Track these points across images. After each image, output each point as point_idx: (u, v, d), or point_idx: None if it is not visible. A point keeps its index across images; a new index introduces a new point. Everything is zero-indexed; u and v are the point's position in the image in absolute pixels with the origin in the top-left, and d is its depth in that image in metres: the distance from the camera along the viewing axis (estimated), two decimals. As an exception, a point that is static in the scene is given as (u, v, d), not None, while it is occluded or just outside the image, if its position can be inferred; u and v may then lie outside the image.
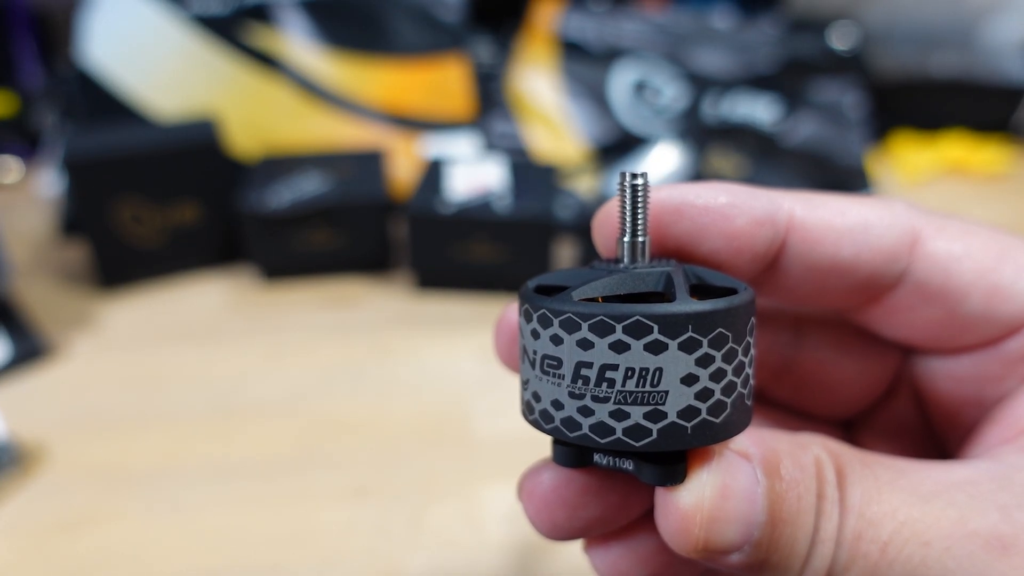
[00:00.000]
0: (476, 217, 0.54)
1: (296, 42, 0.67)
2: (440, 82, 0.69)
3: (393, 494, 0.40)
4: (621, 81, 0.73)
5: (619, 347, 0.16)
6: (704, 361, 0.16)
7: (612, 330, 0.16)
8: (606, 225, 0.20)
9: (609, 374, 0.16)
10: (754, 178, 0.69)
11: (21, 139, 0.76)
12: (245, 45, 0.65)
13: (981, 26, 0.79)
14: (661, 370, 0.16)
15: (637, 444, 0.16)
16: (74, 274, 0.59)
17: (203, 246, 0.59)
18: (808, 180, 0.69)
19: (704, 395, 0.16)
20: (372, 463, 0.42)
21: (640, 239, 0.18)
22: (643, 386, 0.16)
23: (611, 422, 0.16)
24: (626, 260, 0.19)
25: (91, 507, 0.39)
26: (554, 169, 0.60)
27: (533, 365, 0.18)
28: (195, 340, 0.52)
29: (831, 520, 0.17)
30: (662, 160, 0.68)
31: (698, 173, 0.68)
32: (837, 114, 0.73)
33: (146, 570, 0.36)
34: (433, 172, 0.58)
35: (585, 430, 0.17)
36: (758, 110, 0.73)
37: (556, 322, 0.17)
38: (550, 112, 0.72)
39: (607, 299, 0.17)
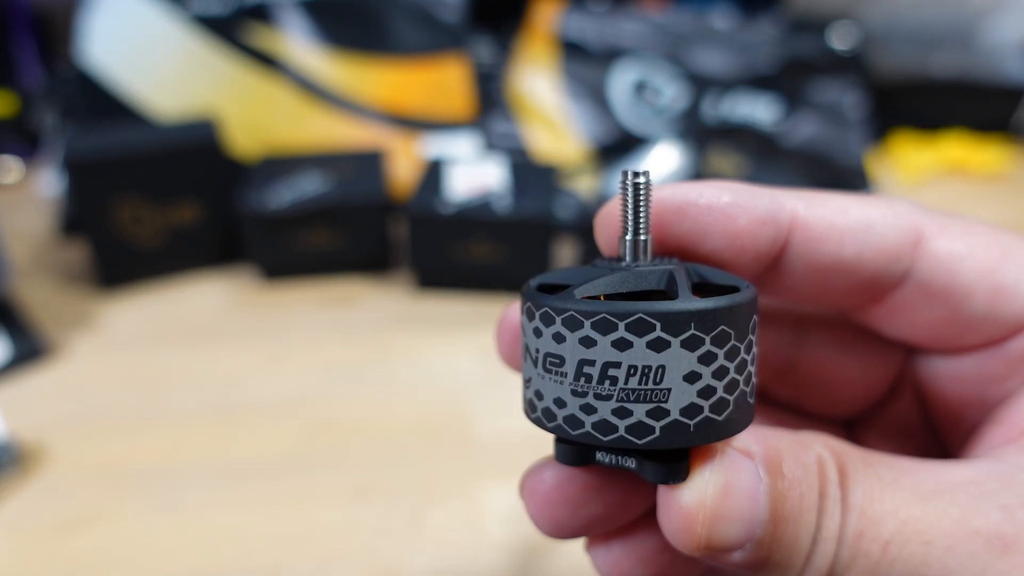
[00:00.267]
0: (476, 217, 0.54)
1: (296, 42, 0.67)
2: (440, 82, 0.69)
3: (393, 494, 0.40)
4: (621, 81, 0.73)
5: (621, 345, 0.16)
6: (707, 359, 0.16)
7: (615, 328, 0.16)
8: (608, 224, 0.20)
9: (611, 372, 0.16)
10: (754, 178, 0.69)
11: (21, 139, 0.76)
12: (245, 45, 0.65)
13: (981, 26, 0.79)
14: (664, 368, 0.16)
15: (640, 442, 0.16)
16: (74, 274, 0.59)
17: (203, 246, 0.59)
18: (808, 180, 0.69)
19: (707, 393, 0.16)
20: (372, 463, 0.42)
21: (642, 237, 0.18)
22: (645, 384, 0.16)
23: (613, 420, 0.16)
24: (628, 258, 0.19)
25: (91, 507, 0.39)
26: (554, 169, 0.60)
27: (535, 363, 0.18)
28: (195, 340, 0.52)
29: (833, 518, 0.17)
30: (662, 160, 0.68)
31: (698, 173, 0.68)
32: (837, 114, 0.73)
33: (146, 570, 0.36)
34: (433, 172, 0.58)
35: (587, 428, 0.17)
36: (758, 110, 0.73)
37: (558, 320, 0.17)
38: (550, 112, 0.72)
39: (609, 297, 0.17)
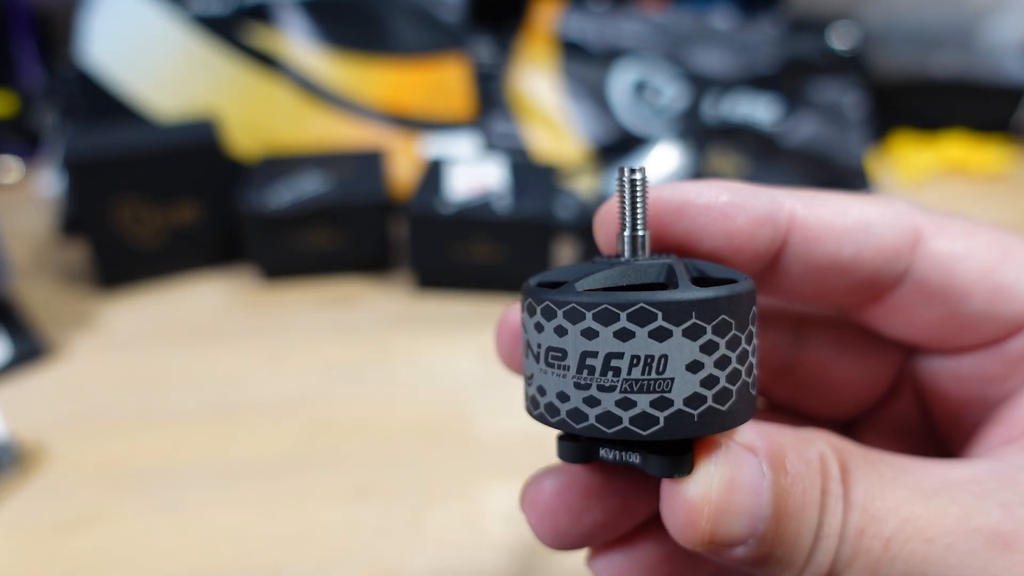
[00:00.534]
0: (476, 217, 0.54)
1: (296, 42, 0.67)
2: (440, 82, 0.69)
3: (393, 494, 0.40)
4: (621, 81, 0.73)
5: (624, 335, 0.16)
6: (708, 348, 0.16)
7: (616, 318, 0.16)
8: (607, 221, 0.20)
9: (615, 363, 0.16)
10: (754, 178, 0.69)
11: (21, 139, 0.76)
12: (245, 45, 0.65)
13: (981, 26, 0.79)
14: (666, 357, 0.16)
15: (644, 433, 0.16)
16: (74, 274, 0.59)
17: (203, 246, 0.59)
18: (808, 180, 0.69)
19: (710, 382, 0.16)
20: (372, 463, 0.42)
21: (640, 233, 0.19)
22: (649, 374, 0.16)
23: (617, 411, 0.16)
24: (627, 254, 0.19)
25: (91, 507, 0.39)
26: (554, 169, 0.60)
27: (537, 359, 0.18)
28: (195, 340, 0.52)
29: (835, 515, 0.17)
30: (662, 160, 0.68)
31: (698, 173, 0.68)
32: (837, 114, 0.73)
33: (146, 570, 0.36)
34: (433, 172, 0.58)
35: (592, 420, 0.17)
36: (758, 110, 0.73)
37: (560, 313, 0.17)
38: (550, 112, 0.72)
39: (609, 290, 0.17)
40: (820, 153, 0.71)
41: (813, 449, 0.17)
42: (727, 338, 0.16)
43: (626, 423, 0.16)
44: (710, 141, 0.71)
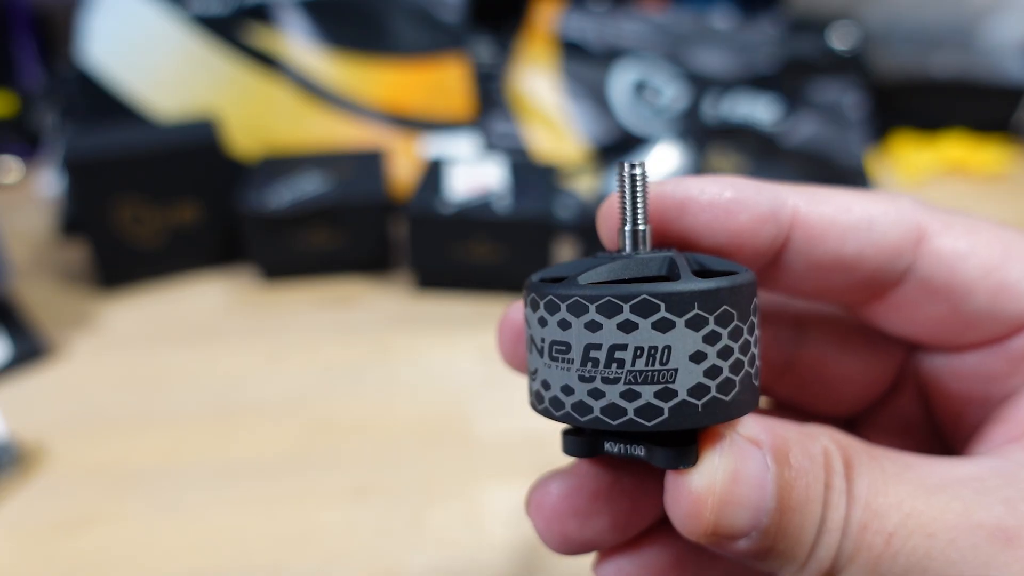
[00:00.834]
0: (476, 217, 0.54)
1: (296, 42, 0.67)
2: (440, 82, 0.69)
3: (393, 494, 0.40)
4: (621, 81, 0.73)
5: (627, 327, 0.16)
6: (711, 338, 0.16)
7: (620, 310, 0.16)
8: (609, 217, 0.20)
9: (618, 354, 0.16)
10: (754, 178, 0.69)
11: (21, 139, 0.76)
12: (245, 45, 0.65)
13: (981, 26, 0.79)
14: (670, 348, 0.16)
15: (649, 424, 0.16)
16: (74, 274, 0.59)
17: (203, 246, 0.59)
18: (808, 180, 0.69)
19: (713, 372, 0.16)
20: (372, 463, 0.42)
21: (640, 227, 0.19)
22: (652, 365, 0.16)
23: (622, 403, 0.16)
24: (628, 248, 0.19)
25: (91, 507, 0.39)
26: (554, 169, 0.60)
27: (541, 353, 0.18)
28: (195, 340, 0.52)
29: (838, 510, 0.17)
30: (662, 160, 0.68)
31: (698, 173, 0.68)
32: (837, 114, 0.73)
33: (146, 570, 0.36)
34: (433, 172, 0.58)
35: (596, 413, 0.17)
36: (758, 110, 0.73)
37: (563, 307, 0.17)
38: (550, 112, 0.72)
39: (612, 283, 0.17)
40: (820, 153, 0.71)
41: (817, 444, 0.18)
42: (729, 328, 0.17)
43: (631, 414, 0.16)
44: (710, 141, 0.71)
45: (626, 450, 0.18)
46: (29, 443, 0.43)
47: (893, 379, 0.23)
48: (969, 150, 0.78)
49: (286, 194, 0.56)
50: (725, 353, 0.17)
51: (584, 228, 0.60)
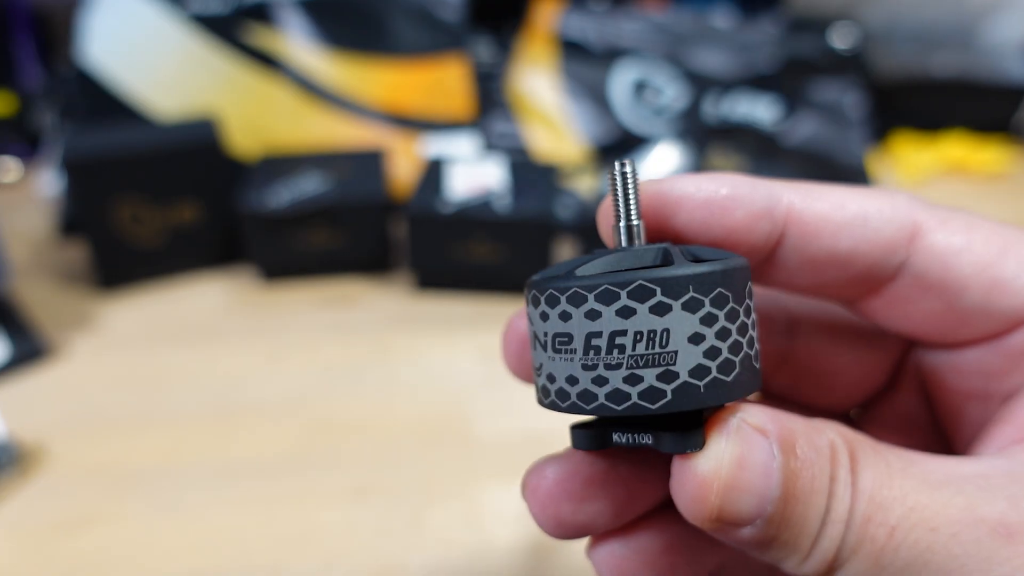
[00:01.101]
0: (476, 217, 0.54)
1: (296, 42, 0.67)
2: (440, 82, 0.69)
3: (393, 494, 0.40)
4: (621, 81, 0.73)
5: (626, 312, 0.17)
6: (708, 320, 0.17)
7: (617, 297, 0.17)
8: (607, 216, 0.20)
9: (619, 340, 0.17)
10: (754, 178, 0.69)
11: (21, 139, 0.76)
12: (245, 45, 0.65)
13: (981, 26, 0.79)
14: (668, 331, 0.17)
15: (653, 407, 0.17)
16: (74, 274, 0.59)
17: (203, 246, 0.59)
18: (808, 180, 0.69)
19: (712, 353, 0.17)
20: (372, 463, 0.42)
21: (634, 222, 0.19)
22: (653, 348, 0.17)
23: (626, 388, 0.17)
24: (623, 243, 0.19)
25: (91, 507, 0.39)
26: (554, 169, 0.60)
27: (545, 347, 0.18)
28: (195, 340, 0.52)
29: (843, 502, 0.17)
30: (662, 160, 0.68)
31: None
32: (837, 114, 0.73)
33: (146, 570, 0.36)
34: (433, 172, 0.58)
35: (601, 400, 0.17)
36: (758, 110, 0.73)
37: (563, 299, 0.17)
38: (550, 112, 0.72)
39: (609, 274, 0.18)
40: (820, 153, 0.71)
41: (824, 437, 0.18)
42: (725, 310, 0.17)
43: (635, 398, 0.17)
44: (710, 141, 0.71)
45: (634, 439, 0.18)
46: (29, 443, 0.43)
47: (890, 374, 0.23)
48: (969, 150, 0.78)
49: (286, 194, 0.56)
50: (723, 334, 0.17)
51: (584, 228, 0.60)
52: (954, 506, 0.16)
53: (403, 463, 0.42)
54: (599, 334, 0.17)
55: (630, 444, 0.18)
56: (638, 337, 0.17)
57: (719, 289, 0.17)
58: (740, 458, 0.17)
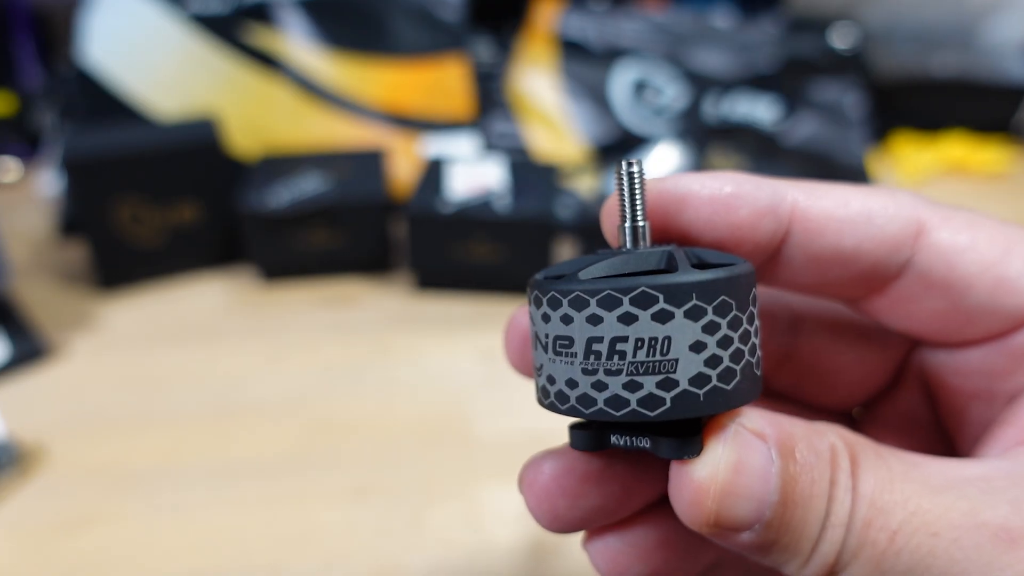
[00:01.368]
0: (476, 217, 0.54)
1: (296, 42, 0.67)
2: (440, 82, 0.69)
3: (393, 494, 0.40)
4: (621, 81, 0.73)
5: (627, 319, 0.17)
6: (710, 328, 0.17)
7: (619, 303, 0.17)
8: (612, 215, 0.20)
9: (620, 346, 0.17)
10: (754, 178, 0.69)
11: (21, 139, 0.76)
12: (245, 45, 0.65)
13: (981, 26, 0.79)
14: (670, 339, 0.16)
15: (652, 414, 0.17)
16: (74, 274, 0.59)
17: (203, 246, 0.59)
18: (809, 180, 0.69)
19: (713, 362, 0.17)
20: (372, 463, 0.42)
21: (640, 223, 0.19)
22: (653, 355, 0.17)
23: (625, 394, 0.17)
24: (628, 244, 0.19)
25: (91, 507, 0.39)
26: (554, 169, 0.60)
27: (546, 349, 0.18)
28: (195, 340, 0.52)
29: (843, 505, 0.17)
30: (663, 160, 0.68)
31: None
32: (837, 114, 0.73)
33: (146, 570, 0.36)
34: (433, 172, 0.58)
35: (600, 405, 0.17)
36: (758, 110, 0.73)
37: (565, 302, 0.17)
38: (550, 112, 0.72)
39: (612, 278, 0.18)
40: (820, 153, 0.71)
41: (824, 440, 0.18)
42: (728, 319, 0.17)
43: (634, 405, 0.17)
44: (710, 141, 0.71)
45: (632, 442, 0.18)
46: (29, 443, 0.43)
47: (893, 373, 0.23)
48: (969, 150, 0.78)
49: (286, 194, 0.56)
50: (725, 343, 0.17)
51: (584, 228, 0.60)
52: (956, 510, 0.16)
53: (403, 463, 0.42)
54: (600, 339, 0.17)
55: (628, 447, 0.18)
56: (639, 344, 0.16)
57: (723, 297, 0.17)
58: (737, 463, 0.17)
